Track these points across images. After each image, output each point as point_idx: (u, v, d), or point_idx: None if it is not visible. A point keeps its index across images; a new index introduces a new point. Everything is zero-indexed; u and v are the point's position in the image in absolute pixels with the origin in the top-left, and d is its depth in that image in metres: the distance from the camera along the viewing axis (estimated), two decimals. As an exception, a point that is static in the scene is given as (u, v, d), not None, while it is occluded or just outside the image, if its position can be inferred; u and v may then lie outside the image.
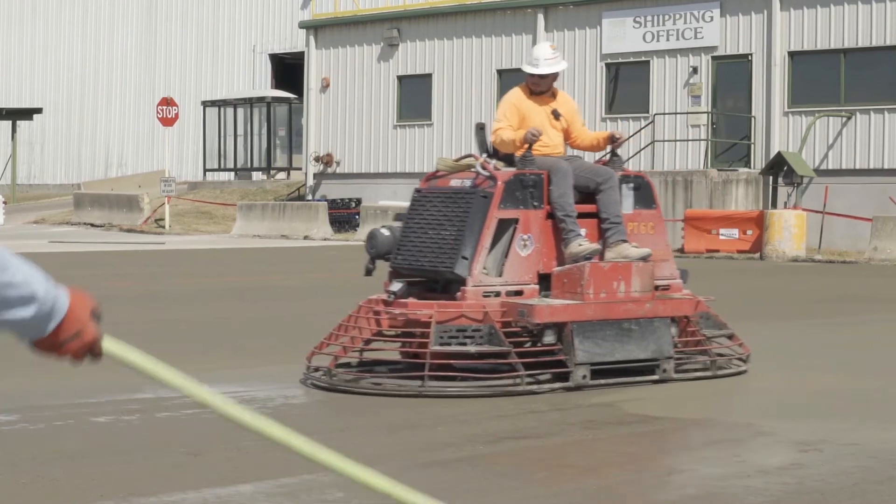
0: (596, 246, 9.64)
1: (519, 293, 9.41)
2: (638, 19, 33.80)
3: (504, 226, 9.47)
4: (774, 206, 29.62)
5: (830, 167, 30.78)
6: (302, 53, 41.69)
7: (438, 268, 9.48)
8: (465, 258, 9.30)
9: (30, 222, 40.96)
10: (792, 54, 31.73)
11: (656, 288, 9.86)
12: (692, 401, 9.04)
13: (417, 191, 10.01)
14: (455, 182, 9.78)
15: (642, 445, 7.37)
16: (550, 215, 9.69)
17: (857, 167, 30.52)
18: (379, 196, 36.55)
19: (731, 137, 32.94)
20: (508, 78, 36.08)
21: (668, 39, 33.39)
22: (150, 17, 53.34)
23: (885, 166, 30.14)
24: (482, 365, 9.37)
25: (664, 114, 33.20)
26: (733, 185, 30.99)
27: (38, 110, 50.79)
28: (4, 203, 41.63)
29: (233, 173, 46.70)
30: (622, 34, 34.08)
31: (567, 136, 10.46)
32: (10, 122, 50.27)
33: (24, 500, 5.96)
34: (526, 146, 9.83)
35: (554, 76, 10.29)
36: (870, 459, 6.96)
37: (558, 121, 10.26)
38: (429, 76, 37.60)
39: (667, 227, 10.30)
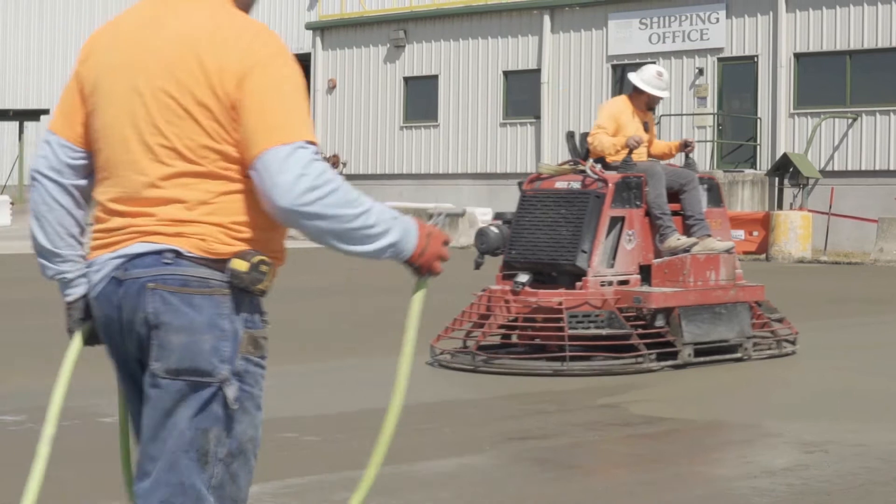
0: (693, 240, 10.98)
1: (625, 282, 10.67)
2: (644, 21, 33.81)
3: (612, 223, 10.70)
4: (780, 207, 29.61)
5: (836, 168, 30.78)
6: (308, 54, 41.72)
7: (558, 261, 10.60)
8: (585, 252, 10.48)
9: (36, 223, 41.00)
10: (798, 56, 31.73)
11: None
12: (698, 402, 9.04)
13: (524, 192, 11.11)
14: (560, 184, 10.92)
15: (648, 446, 7.38)
16: (647, 213, 10.94)
17: (863, 168, 30.52)
18: (385, 197, 36.56)
19: (736, 139, 32.94)
20: (514, 79, 36.10)
21: (674, 41, 33.39)
22: (157, 19, 53.39)
23: (891, 168, 30.13)
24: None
25: (670, 115, 33.21)
26: (739, 187, 31.00)
27: (45, 111, 50.80)
28: (12, 204, 41.65)
29: (239, 174, 46.78)
30: (628, 35, 34.09)
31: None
32: (18, 122, 50.28)
33: (32, 499, 5.97)
34: (626, 151, 11.12)
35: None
36: (875, 461, 6.97)
37: (647, 133, 11.64)
38: (435, 77, 37.61)
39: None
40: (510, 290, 10.58)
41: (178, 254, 3.21)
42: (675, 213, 11.19)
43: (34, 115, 50.68)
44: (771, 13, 31.87)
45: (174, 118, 3.22)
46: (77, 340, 3.50)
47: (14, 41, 55.91)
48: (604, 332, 10.26)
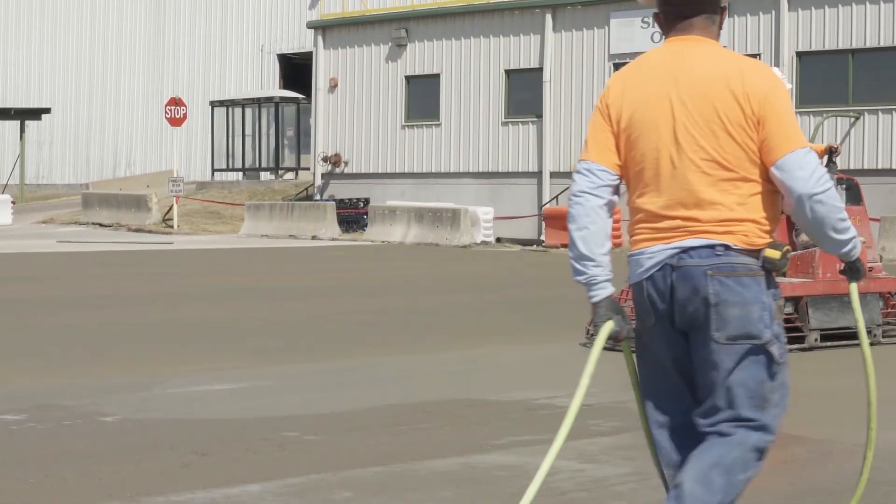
0: None
1: None
2: (646, 20, 33.79)
3: None
4: (782, 206, 29.57)
5: (838, 167, 30.74)
6: (310, 53, 41.71)
7: None
8: None
9: (38, 222, 41.01)
10: (800, 54, 31.73)
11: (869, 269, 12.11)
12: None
13: None
14: None
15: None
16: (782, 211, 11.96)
17: (866, 167, 30.50)
18: (387, 196, 36.56)
19: (739, 137, 32.88)
20: (516, 78, 36.10)
21: (676, 39, 33.37)
22: (159, 17, 53.42)
23: (894, 166, 30.13)
24: None
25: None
26: (741, 185, 30.97)
27: (47, 110, 50.85)
28: (13, 203, 41.67)
29: (241, 173, 46.74)
30: (630, 34, 34.08)
31: None
32: (19, 121, 50.30)
33: (33, 499, 5.97)
34: None
35: None
36: (877, 459, 6.94)
37: None
38: (437, 76, 37.59)
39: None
40: None
41: (727, 247, 4.15)
42: None
43: (36, 114, 50.70)
44: (773, 12, 31.86)
45: (712, 136, 4.17)
46: (605, 332, 4.24)
47: (16, 41, 55.93)
48: None
